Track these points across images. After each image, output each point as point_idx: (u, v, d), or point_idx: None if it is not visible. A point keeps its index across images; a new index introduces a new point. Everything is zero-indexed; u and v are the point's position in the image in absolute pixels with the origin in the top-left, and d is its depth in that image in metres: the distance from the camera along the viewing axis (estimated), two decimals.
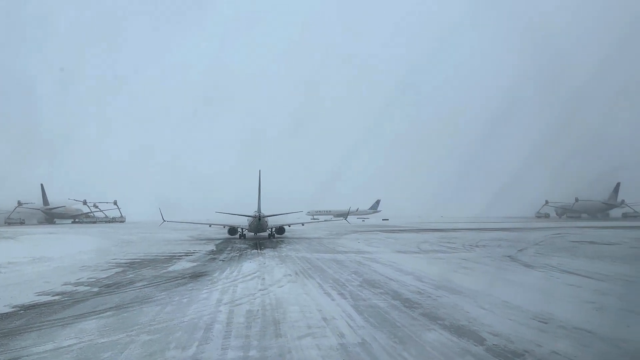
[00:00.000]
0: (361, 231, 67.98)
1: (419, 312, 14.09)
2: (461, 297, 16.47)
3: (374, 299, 16.03)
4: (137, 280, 21.15)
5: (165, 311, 14.67)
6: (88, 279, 21.98)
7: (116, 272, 24.07)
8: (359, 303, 15.47)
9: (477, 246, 38.18)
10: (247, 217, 52.39)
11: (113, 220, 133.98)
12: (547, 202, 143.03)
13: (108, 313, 14.56)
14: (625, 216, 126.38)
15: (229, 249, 39.22)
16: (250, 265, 26.61)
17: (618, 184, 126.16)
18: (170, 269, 25.45)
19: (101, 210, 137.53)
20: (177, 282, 20.69)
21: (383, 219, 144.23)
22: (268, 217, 52.07)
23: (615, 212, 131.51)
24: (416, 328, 12.15)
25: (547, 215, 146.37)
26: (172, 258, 31.14)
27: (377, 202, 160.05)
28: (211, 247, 41.41)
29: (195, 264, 27.70)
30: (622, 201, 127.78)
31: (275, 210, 55.13)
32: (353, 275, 22.03)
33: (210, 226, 64.14)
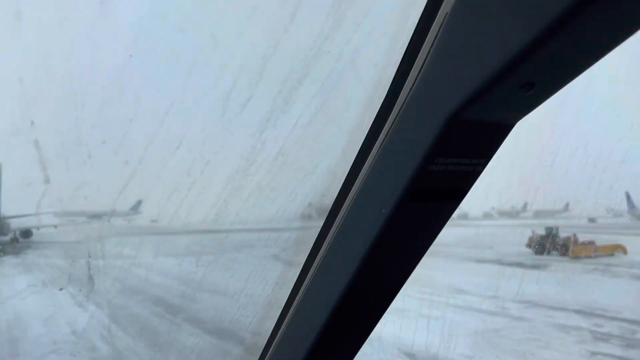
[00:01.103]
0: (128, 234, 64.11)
1: (182, 317, 13.95)
2: (225, 298, 16.77)
3: (135, 307, 15.31)
4: None
5: None
6: None
7: None
8: (117, 312, 14.53)
9: (246, 246, 39.53)
10: None
11: None
12: (310, 204, 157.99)
13: None
14: None
15: None
16: None
17: None
18: None
19: None
20: None
21: (152, 221, 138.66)
22: (10, 219, 45.09)
23: None
24: (178, 334, 12.03)
25: (310, 216, 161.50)
26: None
27: (139, 202, 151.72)
28: None
29: None
30: None
31: None
32: (114, 282, 20.57)
33: None
